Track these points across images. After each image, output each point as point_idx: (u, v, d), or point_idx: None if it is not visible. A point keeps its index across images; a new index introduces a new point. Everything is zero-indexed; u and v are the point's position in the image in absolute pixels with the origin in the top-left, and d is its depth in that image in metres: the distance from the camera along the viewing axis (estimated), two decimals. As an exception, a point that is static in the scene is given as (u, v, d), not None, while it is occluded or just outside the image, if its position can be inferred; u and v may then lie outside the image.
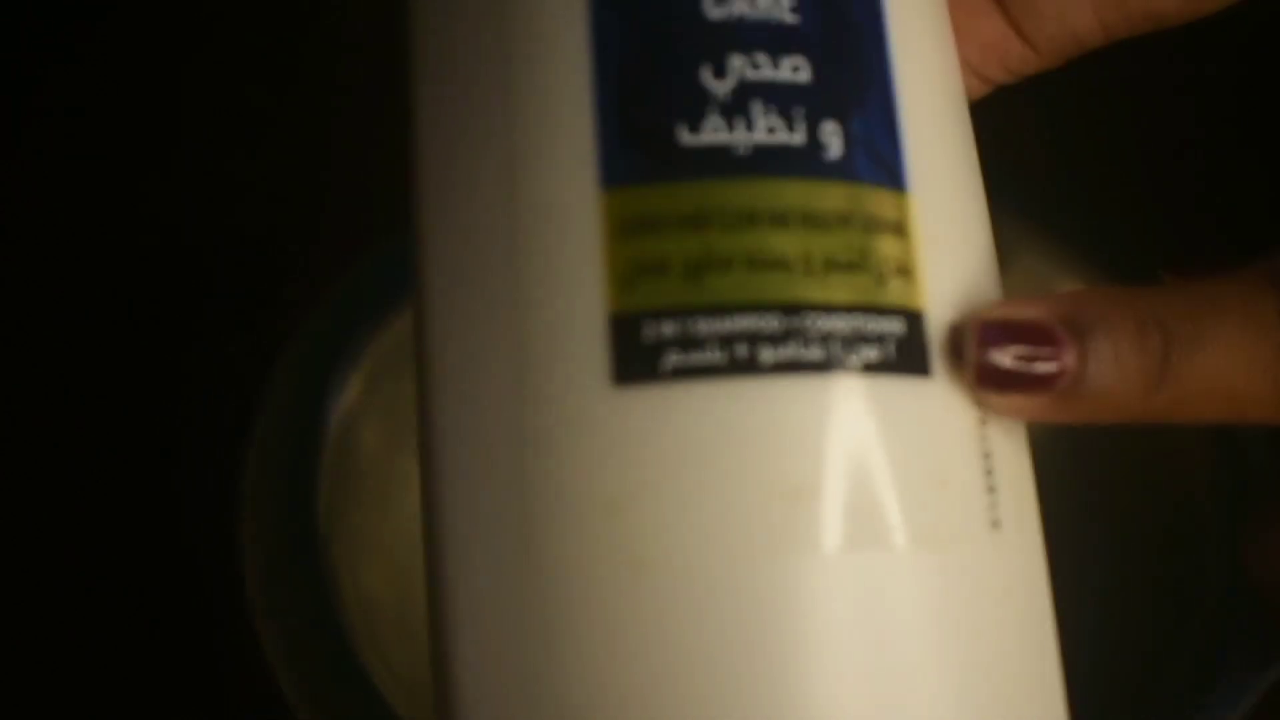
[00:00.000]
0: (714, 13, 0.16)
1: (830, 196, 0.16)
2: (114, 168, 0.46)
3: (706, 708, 0.14)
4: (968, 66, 0.20)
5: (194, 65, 0.47)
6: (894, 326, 0.16)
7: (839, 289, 0.15)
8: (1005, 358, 0.16)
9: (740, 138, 0.16)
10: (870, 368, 0.15)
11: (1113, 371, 0.16)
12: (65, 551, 0.37)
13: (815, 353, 0.15)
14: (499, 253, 0.16)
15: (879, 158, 0.16)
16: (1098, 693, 0.27)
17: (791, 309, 0.15)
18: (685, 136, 0.16)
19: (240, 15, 0.49)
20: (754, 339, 0.15)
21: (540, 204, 0.16)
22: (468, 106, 0.16)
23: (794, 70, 0.16)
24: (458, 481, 0.16)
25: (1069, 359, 0.16)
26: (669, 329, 0.15)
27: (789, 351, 0.15)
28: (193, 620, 0.36)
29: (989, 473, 0.16)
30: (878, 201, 0.16)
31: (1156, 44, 0.23)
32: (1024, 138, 0.43)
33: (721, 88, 0.16)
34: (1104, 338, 0.16)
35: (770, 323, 0.15)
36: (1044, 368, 0.16)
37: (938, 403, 0.16)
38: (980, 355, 0.16)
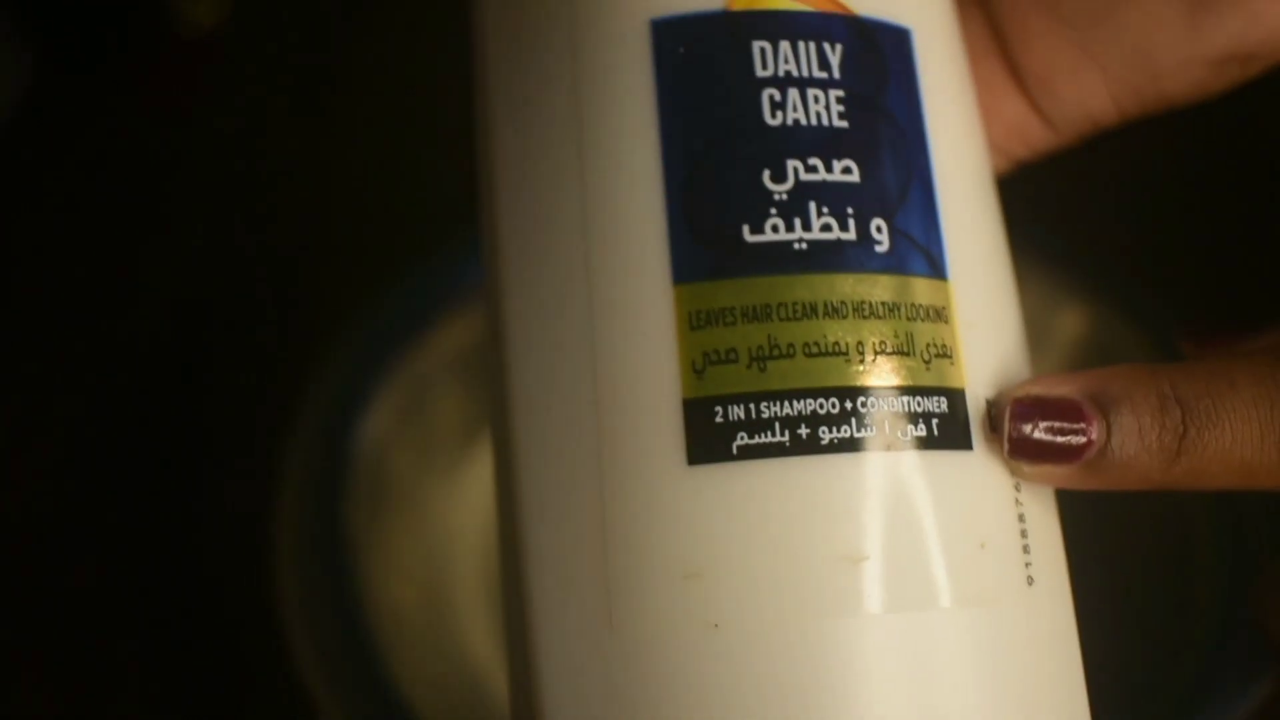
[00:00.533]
0: (772, 120, 0.17)
1: (880, 288, 0.17)
2: (153, 194, 0.48)
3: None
4: (993, 145, 0.22)
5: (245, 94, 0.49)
6: (938, 405, 0.17)
7: (889, 373, 0.17)
8: (1037, 431, 0.18)
9: (798, 235, 0.17)
10: (917, 443, 0.17)
11: (1135, 444, 0.18)
12: (104, 564, 0.38)
13: (870, 432, 0.17)
14: (580, 346, 0.17)
15: (922, 249, 0.18)
16: (1096, 703, 0.29)
17: (847, 393, 0.17)
18: (748, 235, 0.17)
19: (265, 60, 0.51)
20: (814, 421, 0.17)
21: (618, 300, 0.17)
22: (547, 211, 0.18)
23: (845, 172, 0.18)
24: (545, 558, 0.17)
25: (1095, 432, 0.18)
26: (737, 412, 0.17)
27: (846, 432, 0.17)
28: (226, 633, 0.37)
29: (1024, 534, 0.18)
30: (922, 290, 0.18)
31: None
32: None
33: (780, 189, 0.17)
34: (1128, 413, 0.18)
35: (829, 405, 0.17)
36: (1072, 440, 0.18)
37: (977, 473, 0.18)
38: (1014, 429, 0.17)
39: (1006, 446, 0.18)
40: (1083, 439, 0.18)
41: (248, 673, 0.36)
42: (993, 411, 0.18)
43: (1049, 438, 0.18)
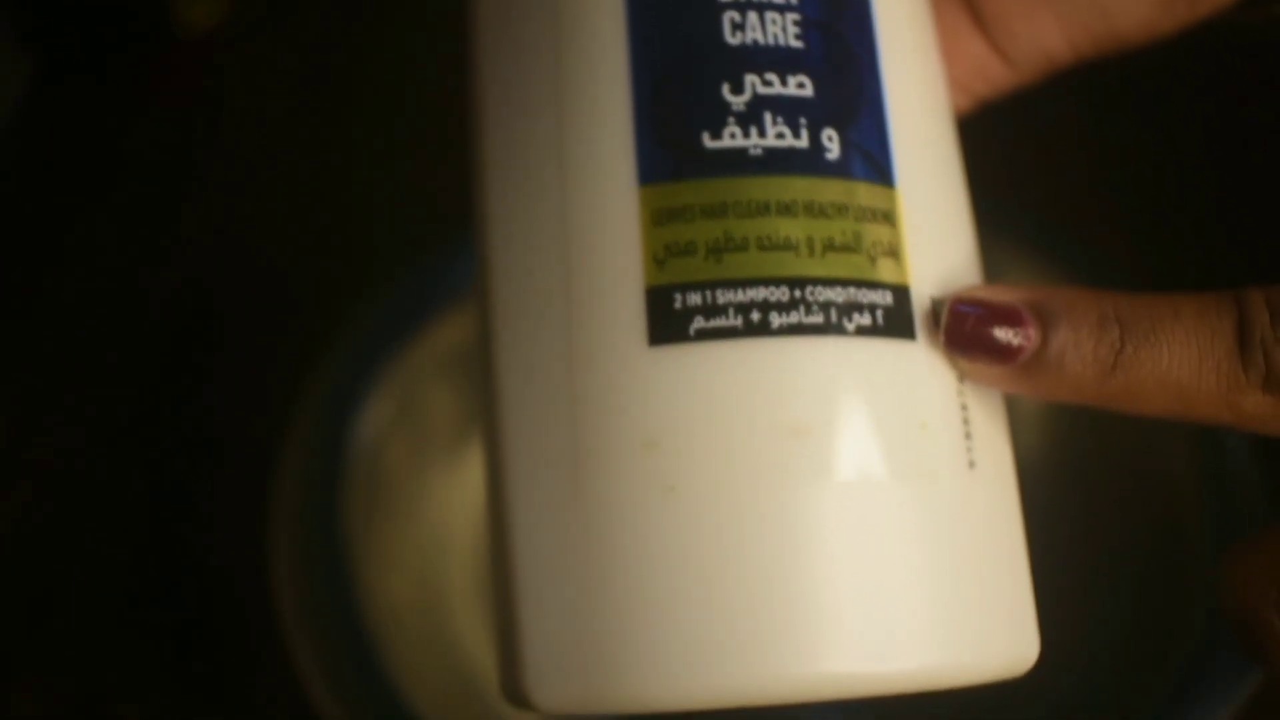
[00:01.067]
0: (732, 39, 0.19)
1: (829, 190, 0.19)
2: (152, 195, 0.49)
3: (724, 607, 0.17)
4: (956, 83, 0.23)
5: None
6: (883, 298, 0.19)
7: (836, 266, 0.19)
8: (972, 326, 0.19)
9: (754, 142, 0.19)
10: (862, 331, 0.19)
11: (1071, 353, 0.19)
12: (103, 566, 0.38)
13: (816, 318, 0.18)
14: (553, 240, 0.19)
15: (871, 159, 0.19)
16: (1087, 695, 0.29)
17: (796, 282, 0.18)
18: (708, 141, 0.19)
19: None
20: (765, 307, 0.18)
21: (588, 199, 0.19)
22: (524, 119, 0.20)
23: (799, 86, 0.19)
24: (518, 432, 0.19)
25: (1031, 336, 0.19)
26: (695, 299, 0.18)
27: (794, 317, 0.18)
28: (224, 634, 0.37)
29: (966, 421, 0.19)
30: (869, 195, 0.19)
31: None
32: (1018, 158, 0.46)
33: (738, 101, 0.19)
34: (1066, 324, 0.19)
35: (779, 293, 0.18)
36: (1008, 340, 0.19)
37: (920, 361, 0.19)
38: (951, 321, 0.19)
39: (942, 339, 0.19)
40: (1018, 341, 0.19)
41: (246, 673, 0.36)
42: (936, 309, 0.19)
43: (984, 333, 0.19)
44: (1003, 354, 0.19)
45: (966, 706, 0.29)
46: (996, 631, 0.19)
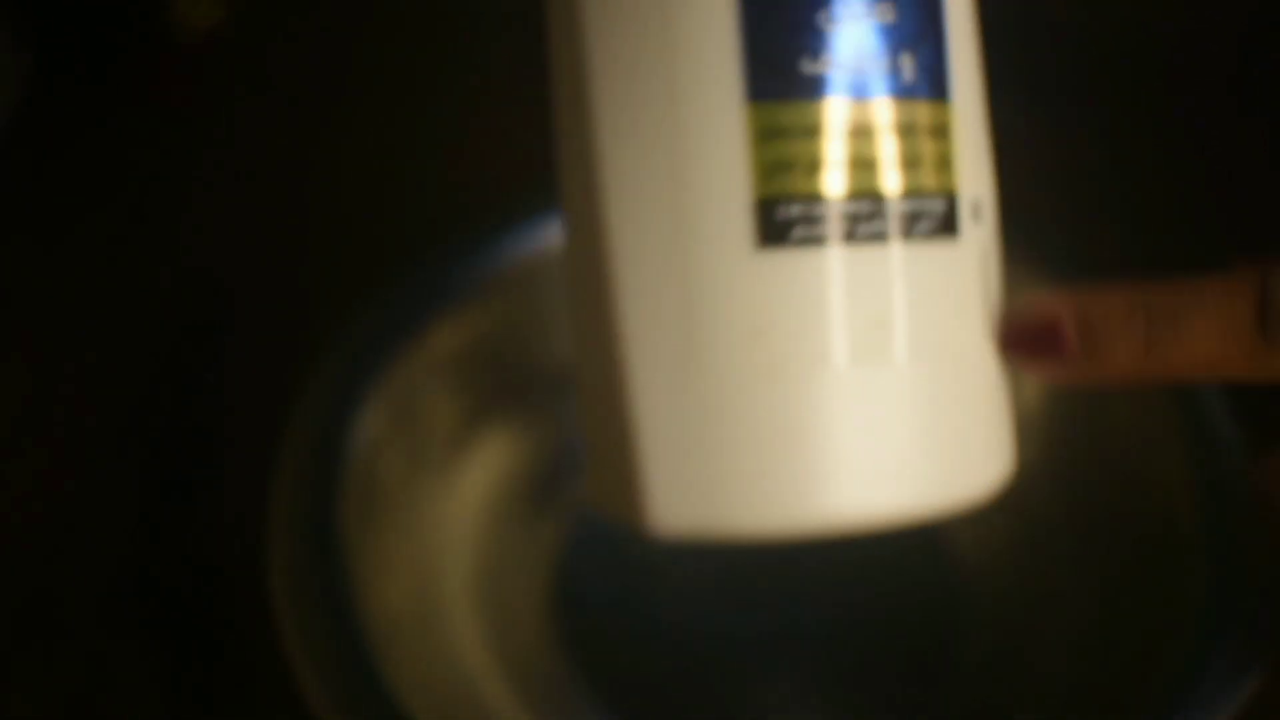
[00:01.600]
0: (827, -31, 0.22)
1: (904, 111, 0.22)
2: (151, 197, 0.48)
3: (816, 450, 0.22)
4: None
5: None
6: (939, 206, 0.23)
7: (908, 180, 0.22)
8: (1023, 342, 0.23)
9: (843, 66, 0.22)
10: (924, 235, 0.22)
11: (1107, 346, 0.23)
12: (99, 565, 0.38)
13: (893, 227, 0.22)
14: (664, 157, 0.22)
15: (935, 80, 0.22)
16: (1085, 695, 0.31)
17: (877, 197, 0.22)
18: (805, 65, 0.22)
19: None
20: (853, 219, 0.22)
21: (698, 115, 0.22)
22: (636, 43, 0.22)
23: (883, 15, 0.22)
24: (639, 327, 0.22)
25: (1071, 338, 0.23)
26: (795, 210, 0.21)
27: (875, 227, 0.22)
28: (221, 635, 0.37)
29: (985, 303, 0.24)
30: (933, 113, 0.22)
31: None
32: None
33: (831, 28, 0.22)
34: (1100, 323, 0.23)
35: (864, 207, 0.22)
36: (1051, 344, 0.23)
37: (962, 258, 0.23)
38: (1004, 335, 0.23)
39: (999, 346, 0.23)
40: (1062, 344, 0.23)
41: (242, 675, 0.36)
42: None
43: (1033, 342, 0.23)
44: (1051, 357, 0.23)
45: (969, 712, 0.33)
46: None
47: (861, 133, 0.22)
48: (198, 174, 0.50)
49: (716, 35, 0.21)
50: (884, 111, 0.22)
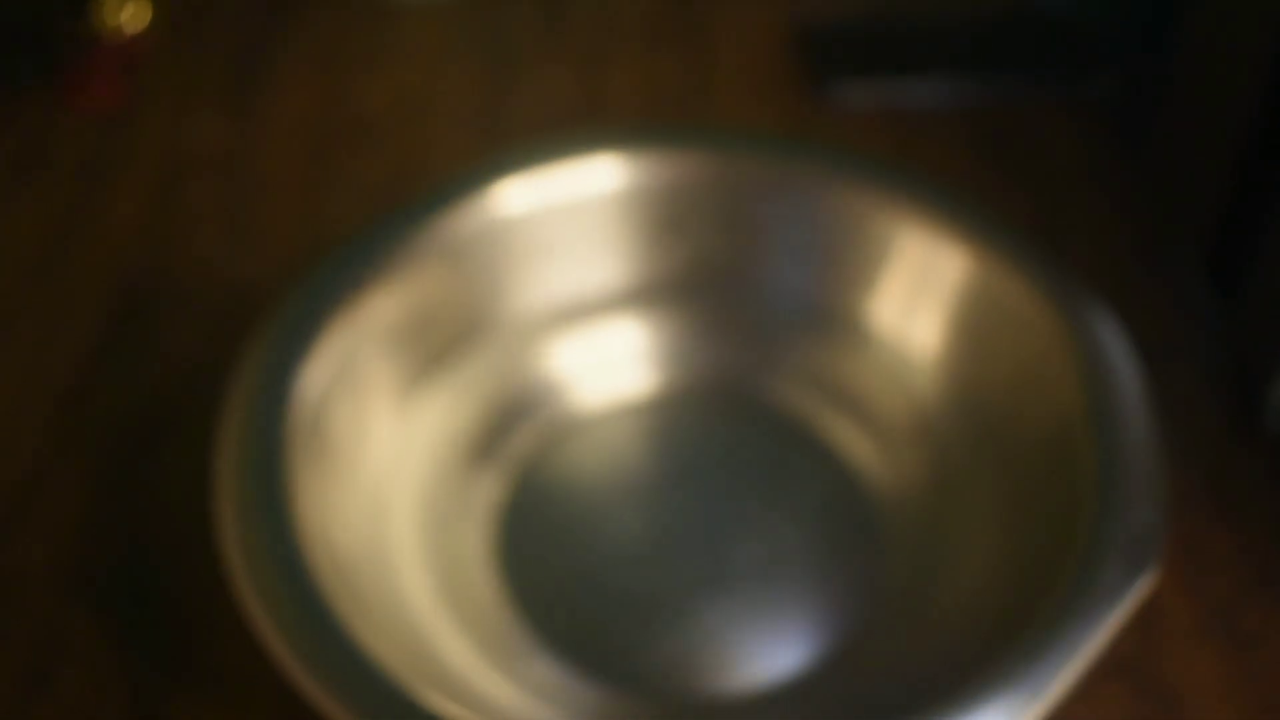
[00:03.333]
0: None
1: None
2: (82, 193, 0.49)
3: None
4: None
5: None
6: None
7: None
8: None
9: None
10: None
11: None
12: (49, 536, 0.39)
13: None
14: None
15: None
16: (993, 607, 0.32)
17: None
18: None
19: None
20: None
21: None
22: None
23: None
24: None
25: None
26: None
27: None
28: (174, 597, 0.37)
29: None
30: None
31: None
32: None
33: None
34: None
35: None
36: None
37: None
38: None
39: None
40: None
41: (198, 636, 0.36)
42: None
43: None
44: None
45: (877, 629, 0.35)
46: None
47: None
48: (122, 168, 0.51)
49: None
50: None
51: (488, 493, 0.39)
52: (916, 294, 0.39)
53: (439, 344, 0.39)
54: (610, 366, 0.42)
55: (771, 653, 0.35)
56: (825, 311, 0.40)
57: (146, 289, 0.46)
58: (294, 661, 0.28)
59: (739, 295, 0.40)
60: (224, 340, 0.42)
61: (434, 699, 0.28)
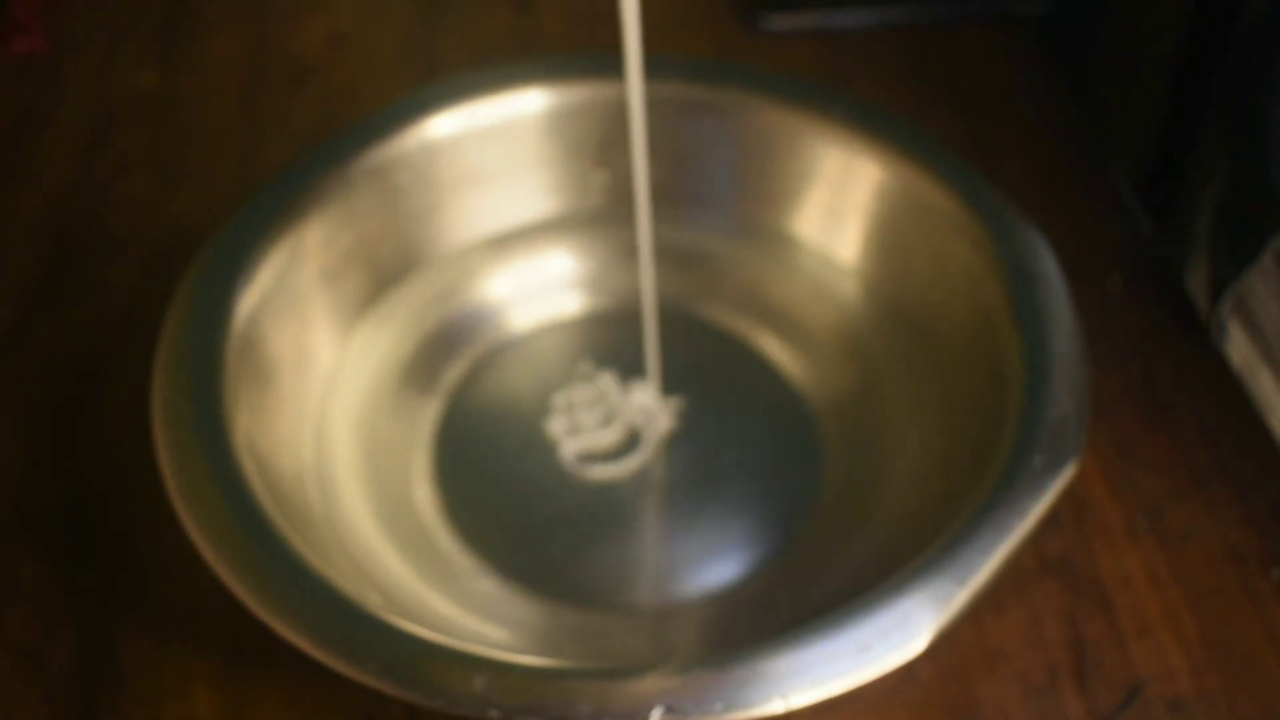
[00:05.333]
0: None
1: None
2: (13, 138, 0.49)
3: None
4: None
5: None
6: None
7: None
8: None
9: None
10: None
11: None
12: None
13: None
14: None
15: None
16: (925, 505, 0.33)
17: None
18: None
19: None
20: None
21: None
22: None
23: None
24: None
25: None
26: None
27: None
28: (117, 534, 0.37)
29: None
30: None
31: None
32: None
33: None
34: None
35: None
36: None
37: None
38: None
39: None
40: None
41: (141, 579, 0.36)
42: None
43: None
44: None
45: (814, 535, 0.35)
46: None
47: None
48: (49, 119, 0.51)
49: None
50: None
51: (427, 416, 0.39)
52: (839, 207, 0.39)
53: (378, 273, 0.39)
54: (544, 291, 0.42)
55: (711, 564, 0.36)
56: (753, 229, 0.41)
57: (81, 233, 0.46)
58: (235, 575, 0.28)
59: (668, 217, 0.40)
60: (160, 279, 0.42)
61: (381, 609, 0.28)
